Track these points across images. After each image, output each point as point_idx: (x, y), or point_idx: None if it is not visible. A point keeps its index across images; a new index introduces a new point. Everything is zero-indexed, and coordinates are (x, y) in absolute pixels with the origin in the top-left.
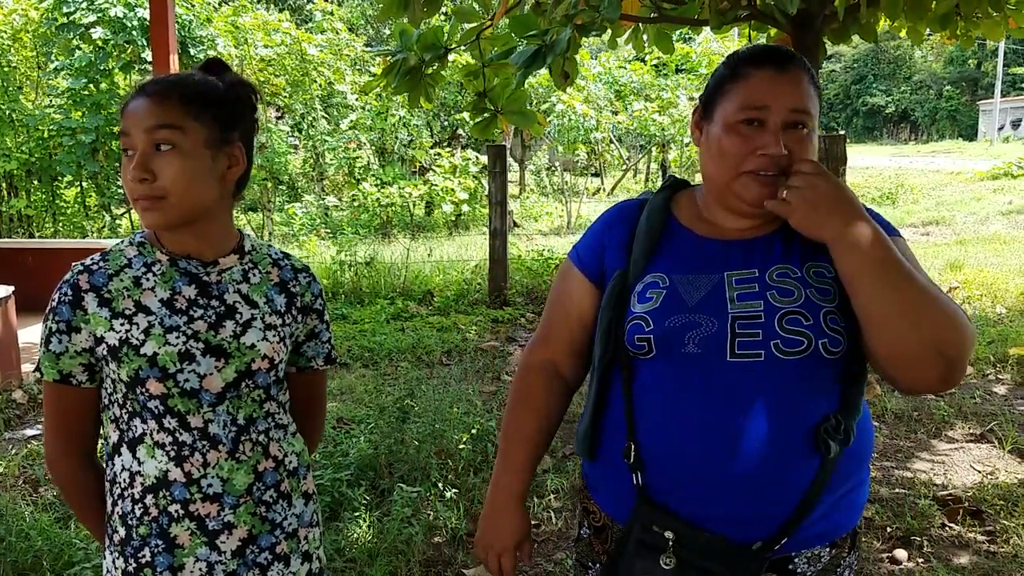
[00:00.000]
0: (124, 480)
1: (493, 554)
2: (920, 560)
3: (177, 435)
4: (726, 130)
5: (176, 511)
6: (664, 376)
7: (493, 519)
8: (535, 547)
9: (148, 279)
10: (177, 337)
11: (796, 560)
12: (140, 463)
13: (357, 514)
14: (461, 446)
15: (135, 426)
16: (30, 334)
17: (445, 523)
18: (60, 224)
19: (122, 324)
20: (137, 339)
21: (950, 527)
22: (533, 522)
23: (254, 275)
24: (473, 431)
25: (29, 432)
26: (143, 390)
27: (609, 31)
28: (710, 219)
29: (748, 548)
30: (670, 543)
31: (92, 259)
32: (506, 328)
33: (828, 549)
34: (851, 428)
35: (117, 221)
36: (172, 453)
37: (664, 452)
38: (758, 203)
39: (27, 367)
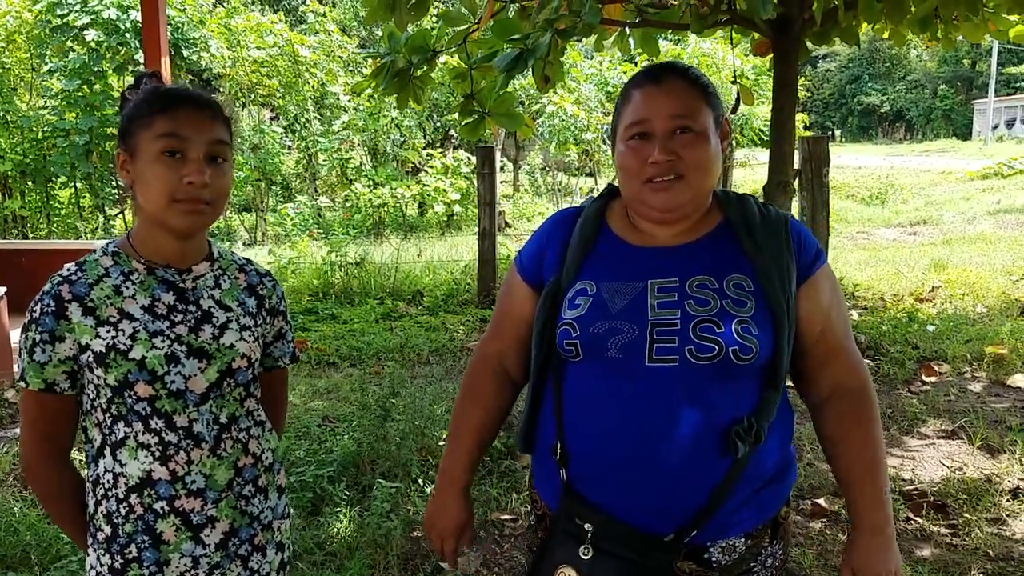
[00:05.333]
0: (108, 481)
1: (436, 535)
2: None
3: (163, 435)
4: (623, 148)
5: (161, 507)
6: (589, 378)
7: (438, 505)
8: (512, 540)
9: (128, 287)
10: (162, 341)
11: (711, 549)
12: (122, 465)
13: (338, 509)
14: (442, 443)
15: (118, 429)
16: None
17: (423, 518)
18: (54, 225)
19: (108, 331)
20: (124, 344)
21: (914, 520)
22: (511, 516)
23: (224, 281)
24: None
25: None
26: (131, 393)
27: (595, 35)
28: (639, 227)
29: (660, 538)
30: (589, 534)
31: (68, 269)
32: None
33: (743, 539)
34: (763, 429)
35: (111, 222)
36: (157, 453)
37: (586, 449)
38: (661, 208)
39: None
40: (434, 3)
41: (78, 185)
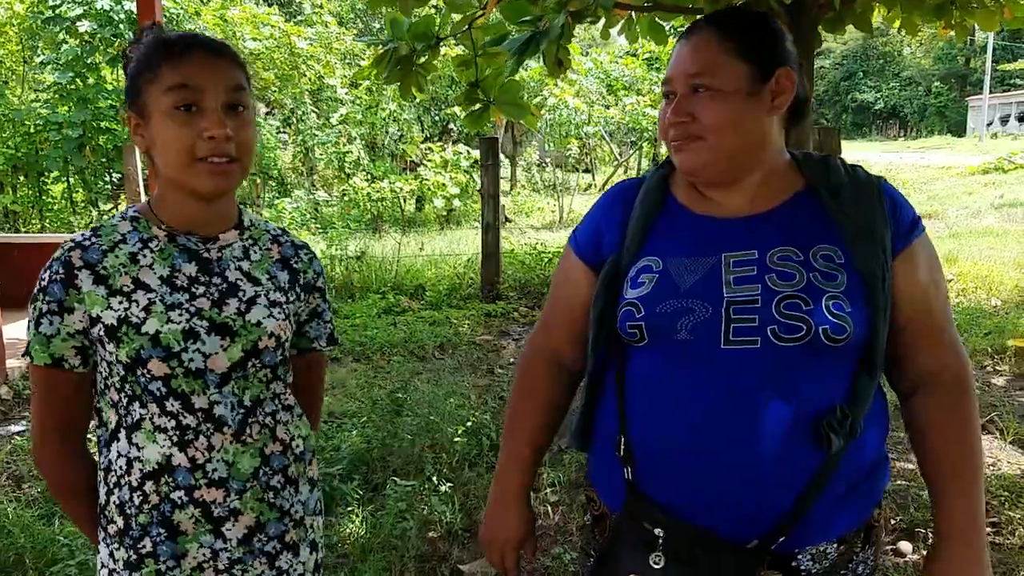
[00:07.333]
0: (120, 467)
1: (496, 549)
2: (925, 552)
3: (181, 418)
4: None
5: (179, 497)
6: (656, 365)
7: (497, 514)
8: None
9: (145, 255)
10: (180, 315)
11: (800, 557)
12: (139, 448)
13: (350, 509)
14: (455, 439)
15: (134, 411)
16: (14, 330)
17: (440, 518)
18: (47, 220)
19: (120, 302)
20: (137, 317)
21: None
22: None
23: (254, 252)
24: (468, 424)
25: (13, 428)
26: (144, 371)
27: (603, 21)
28: (706, 195)
29: (742, 546)
30: (660, 540)
31: (83, 235)
32: (499, 322)
33: (836, 545)
34: (858, 421)
35: (104, 216)
36: (175, 437)
37: (654, 445)
38: (683, 171)
39: (12, 363)
40: None
41: (71, 180)
